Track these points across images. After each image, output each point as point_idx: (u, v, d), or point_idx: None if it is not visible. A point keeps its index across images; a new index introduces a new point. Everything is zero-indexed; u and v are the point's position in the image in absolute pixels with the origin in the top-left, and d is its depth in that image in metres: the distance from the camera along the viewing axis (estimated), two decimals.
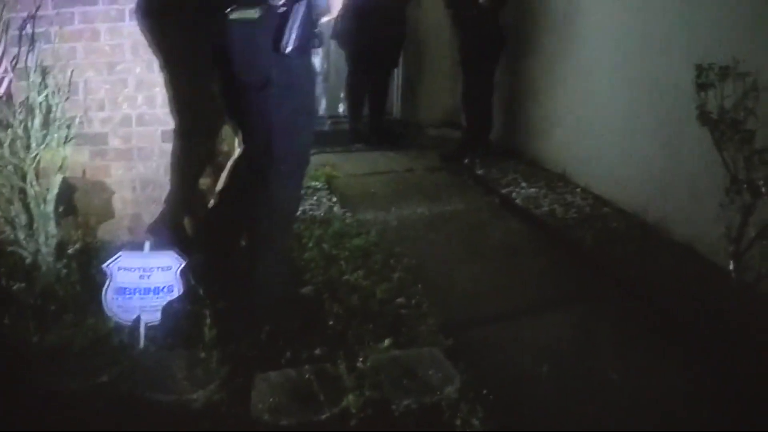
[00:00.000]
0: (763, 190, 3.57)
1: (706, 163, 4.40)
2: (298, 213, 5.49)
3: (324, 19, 3.64)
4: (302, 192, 4.05)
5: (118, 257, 3.54)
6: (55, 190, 4.03)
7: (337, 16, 7.87)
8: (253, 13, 3.28)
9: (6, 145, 3.83)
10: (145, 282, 3.57)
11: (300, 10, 3.27)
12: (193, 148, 4.03)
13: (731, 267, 3.82)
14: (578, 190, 6.35)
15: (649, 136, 5.47)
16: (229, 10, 3.29)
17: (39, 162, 3.97)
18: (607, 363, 3.65)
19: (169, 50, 4.19)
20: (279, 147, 3.54)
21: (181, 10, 3.54)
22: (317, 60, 9.07)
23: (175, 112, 4.42)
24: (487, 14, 7.04)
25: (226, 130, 4.29)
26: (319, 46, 3.64)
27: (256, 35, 3.32)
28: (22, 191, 3.95)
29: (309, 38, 3.42)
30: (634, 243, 5.20)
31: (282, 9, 3.27)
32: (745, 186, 3.66)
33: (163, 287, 3.60)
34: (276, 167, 3.60)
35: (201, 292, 3.65)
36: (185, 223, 4.38)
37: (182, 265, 3.58)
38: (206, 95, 3.71)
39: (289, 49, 3.27)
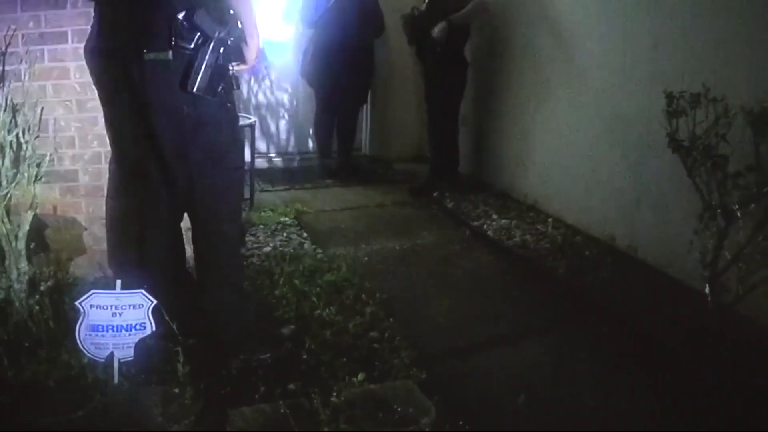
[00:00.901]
0: (738, 214, 3.61)
1: (675, 188, 4.48)
2: (269, 249, 5.53)
3: (241, 68, 3.76)
4: (242, 224, 4.07)
5: (90, 295, 3.53)
6: (26, 228, 4.01)
7: (306, 53, 8.04)
8: (165, 55, 3.37)
9: None
10: (117, 319, 3.54)
11: (207, 53, 3.36)
12: (134, 184, 4.04)
13: (707, 290, 3.85)
14: (549, 220, 6.42)
15: (617, 164, 5.55)
16: (145, 51, 3.37)
17: (10, 199, 3.96)
18: (583, 390, 3.68)
19: (102, 89, 4.22)
20: (199, 182, 3.62)
21: (112, 52, 3.61)
22: (285, 97, 9.12)
23: (115, 150, 4.43)
24: (450, 49, 7.10)
25: None
26: (237, 88, 3.71)
27: (170, 75, 3.40)
28: None
29: (221, 80, 3.49)
30: (608, 270, 5.25)
31: (189, 52, 3.37)
32: (719, 211, 3.70)
33: (136, 324, 3.57)
34: (201, 202, 3.69)
35: (174, 328, 3.64)
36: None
37: (153, 304, 3.57)
38: (137, 133, 3.74)
39: (195, 88, 3.35)
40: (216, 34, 3.38)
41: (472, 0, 7.06)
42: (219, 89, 3.49)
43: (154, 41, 3.38)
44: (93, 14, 3.73)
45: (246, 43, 3.66)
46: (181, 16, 3.33)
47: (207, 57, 3.36)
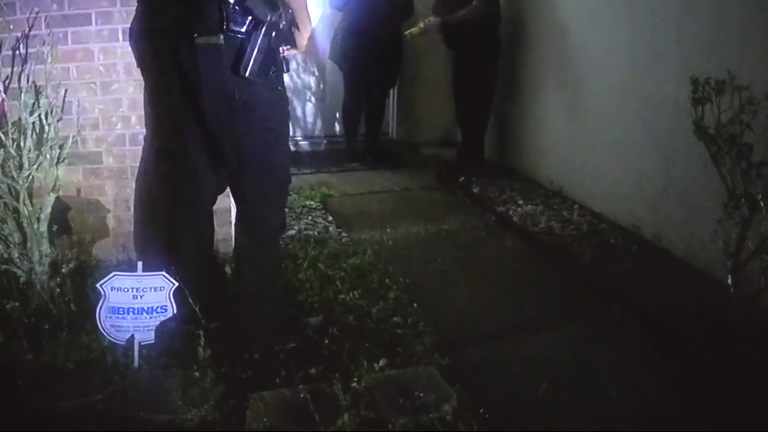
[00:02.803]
0: (762, 203, 3.56)
1: (700, 177, 4.43)
2: (294, 232, 5.52)
3: (292, 52, 3.76)
4: (285, 210, 4.05)
5: (111, 277, 3.52)
6: (48, 210, 4.01)
7: (335, 39, 8.03)
8: (216, 39, 3.39)
9: None
10: (138, 302, 3.55)
11: (258, 37, 3.37)
12: (172, 167, 4.04)
13: (730, 281, 3.80)
14: (575, 206, 6.37)
15: (643, 152, 5.50)
16: (196, 35, 3.39)
17: (32, 181, 3.96)
18: (606, 380, 3.64)
19: (150, 71, 4.20)
20: (251, 166, 3.63)
21: (159, 34, 3.62)
22: (313, 80, 9.11)
23: (156, 132, 4.41)
24: (481, 34, 7.04)
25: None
26: (287, 71, 3.71)
27: (221, 58, 3.42)
28: (16, 210, 3.94)
29: (272, 63, 3.49)
30: (632, 259, 5.21)
31: (241, 36, 3.39)
32: (742, 200, 3.65)
33: (157, 307, 3.57)
34: (251, 185, 3.69)
35: (197, 311, 3.63)
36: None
37: (175, 286, 3.56)
38: (182, 116, 3.74)
39: (247, 72, 3.36)
40: (268, 18, 3.37)
41: None
42: (270, 73, 3.50)
43: (204, 25, 3.40)
44: None
45: (298, 28, 3.66)
46: (232, 0, 3.34)
47: (259, 41, 3.37)
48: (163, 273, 3.57)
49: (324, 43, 8.44)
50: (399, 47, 8.24)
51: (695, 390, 3.55)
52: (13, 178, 3.86)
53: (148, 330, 3.57)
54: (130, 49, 4.28)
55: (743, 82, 3.66)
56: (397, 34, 8.12)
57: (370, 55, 7.84)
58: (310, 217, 6.17)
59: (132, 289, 3.54)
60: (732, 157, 3.67)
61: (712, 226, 3.89)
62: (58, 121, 4.02)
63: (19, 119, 3.86)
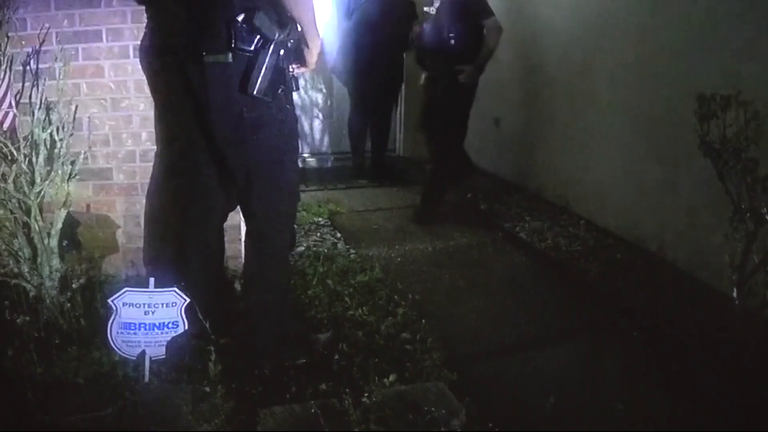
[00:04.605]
0: (767, 218, 3.57)
1: (706, 192, 4.42)
2: (302, 249, 5.52)
3: (301, 70, 3.76)
4: (294, 227, 4.04)
5: (123, 293, 3.53)
6: (59, 225, 4.03)
7: (339, 54, 8.03)
8: (224, 57, 3.38)
9: (10, 180, 3.84)
10: (150, 318, 3.55)
11: (267, 56, 3.36)
12: (183, 183, 4.05)
13: (735, 294, 3.81)
14: (582, 222, 6.40)
15: (649, 167, 5.53)
16: (204, 53, 3.38)
17: (43, 197, 3.97)
18: (612, 393, 3.65)
19: (160, 89, 4.23)
20: (259, 183, 3.62)
21: (168, 52, 3.63)
22: (320, 97, 9.13)
23: (166, 148, 4.42)
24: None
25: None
26: (296, 90, 3.69)
27: (229, 77, 3.40)
28: (27, 225, 3.95)
29: (280, 82, 3.48)
30: (638, 273, 5.23)
31: (249, 54, 3.37)
32: (748, 214, 3.65)
33: (168, 323, 3.58)
34: (260, 202, 3.68)
35: (207, 327, 3.63)
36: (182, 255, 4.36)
37: (186, 302, 3.57)
38: (192, 133, 3.75)
39: (255, 90, 3.34)
40: (276, 37, 3.37)
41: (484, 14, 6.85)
42: (279, 91, 3.49)
43: (213, 43, 3.38)
44: (145, 14, 3.76)
45: (307, 45, 3.65)
46: (240, 18, 3.33)
47: (267, 59, 3.35)
48: (175, 289, 3.57)
49: (331, 59, 8.47)
50: (400, 65, 8.29)
51: (701, 402, 3.55)
52: (24, 193, 3.88)
53: (159, 345, 3.57)
54: (140, 66, 4.30)
55: (748, 97, 3.67)
56: (401, 51, 8.15)
57: (372, 71, 7.87)
58: (318, 234, 6.19)
59: (144, 304, 3.55)
60: (737, 172, 3.67)
61: (717, 240, 3.90)
62: (69, 136, 4.04)
63: (31, 135, 3.88)
